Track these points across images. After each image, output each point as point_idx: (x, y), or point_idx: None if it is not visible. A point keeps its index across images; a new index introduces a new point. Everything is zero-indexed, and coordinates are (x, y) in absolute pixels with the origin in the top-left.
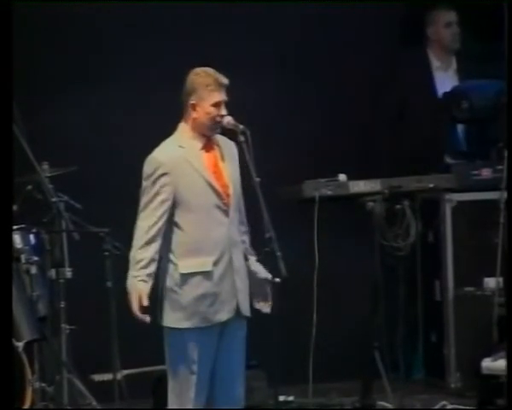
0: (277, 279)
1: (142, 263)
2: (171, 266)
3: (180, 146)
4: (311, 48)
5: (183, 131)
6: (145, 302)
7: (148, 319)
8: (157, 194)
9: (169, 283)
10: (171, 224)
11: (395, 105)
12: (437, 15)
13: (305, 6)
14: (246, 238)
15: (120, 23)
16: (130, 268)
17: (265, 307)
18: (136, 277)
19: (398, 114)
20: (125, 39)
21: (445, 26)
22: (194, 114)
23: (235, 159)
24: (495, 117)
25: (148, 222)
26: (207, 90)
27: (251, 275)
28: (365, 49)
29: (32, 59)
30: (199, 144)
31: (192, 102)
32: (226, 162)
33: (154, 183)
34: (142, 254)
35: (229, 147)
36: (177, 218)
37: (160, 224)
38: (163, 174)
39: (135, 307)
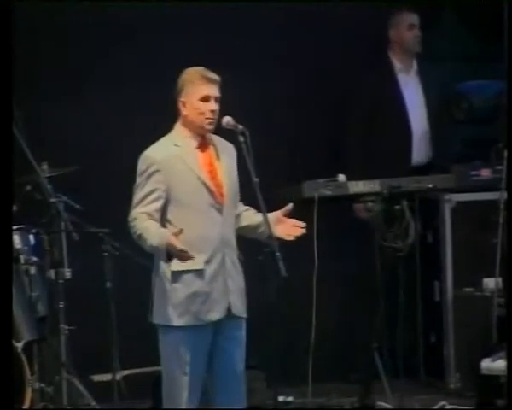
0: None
1: (146, 217)
2: (163, 264)
3: (175, 144)
4: (311, 48)
5: (179, 130)
6: (181, 242)
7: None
8: (151, 191)
9: (161, 280)
10: (163, 221)
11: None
12: (400, 17)
13: (306, 6)
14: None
15: (120, 23)
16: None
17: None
18: (151, 228)
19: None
20: (125, 39)
21: (407, 28)
22: (185, 112)
23: (232, 159)
24: (495, 117)
25: (141, 215)
26: (194, 85)
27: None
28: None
29: (33, 59)
30: (194, 143)
31: (182, 99)
32: (222, 162)
33: (147, 179)
34: (139, 220)
35: (226, 147)
36: (170, 215)
37: (154, 218)
38: (155, 171)
39: (179, 249)
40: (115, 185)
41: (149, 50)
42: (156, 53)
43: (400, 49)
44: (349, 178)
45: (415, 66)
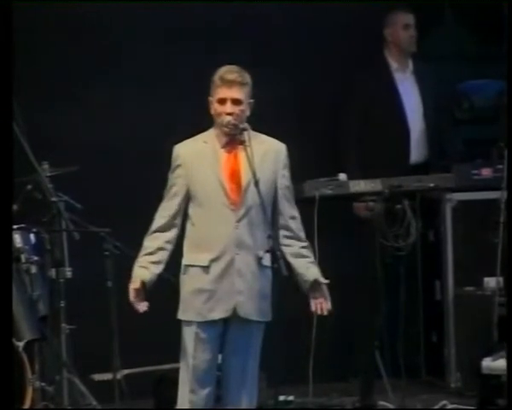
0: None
1: (147, 250)
2: (183, 258)
3: (204, 141)
4: (308, 48)
5: (212, 128)
6: (135, 285)
7: (143, 307)
8: (172, 185)
9: (181, 273)
10: (186, 215)
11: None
12: (395, 17)
13: (302, 6)
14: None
15: (121, 23)
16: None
17: (326, 305)
18: (138, 262)
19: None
20: (125, 39)
21: (402, 27)
22: (212, 111)
23: (272, 162)
24: (495, 117)
25: (161, 212)
26: (214, 86)
27: (299, 277)
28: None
29: (33, 59)
30: (220, 142)
31: (210, 98)
32: (248, 164)
33: (172, 173)
34: (148, 241)
35: (268, 149)
36: (190, 210)
37: (173, 213)
38: (178, 166)
39: (130, 292)
40: (116, 185)
41: (150, 50)
42: (157, 53)
43: (396, 48)
44: (348, 178)
45: (410, 65)
